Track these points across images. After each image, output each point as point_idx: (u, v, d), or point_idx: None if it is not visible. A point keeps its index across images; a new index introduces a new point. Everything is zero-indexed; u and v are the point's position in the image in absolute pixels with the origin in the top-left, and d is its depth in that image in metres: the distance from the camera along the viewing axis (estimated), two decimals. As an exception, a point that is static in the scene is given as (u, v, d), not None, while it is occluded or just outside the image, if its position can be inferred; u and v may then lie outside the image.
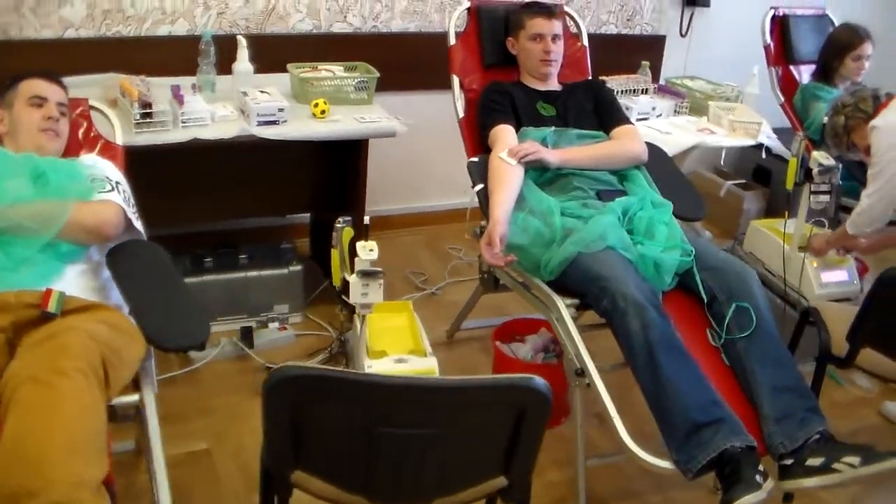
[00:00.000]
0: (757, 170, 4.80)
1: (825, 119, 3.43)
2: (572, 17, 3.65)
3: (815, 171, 3.32)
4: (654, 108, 3.87)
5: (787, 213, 3.55)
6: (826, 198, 3.39)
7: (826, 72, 4.11)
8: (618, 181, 3.11)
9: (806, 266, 3.47)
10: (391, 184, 4.31)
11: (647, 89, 4.04)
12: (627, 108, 3.81)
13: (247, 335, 3.44)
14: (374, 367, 2.24)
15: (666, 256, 2.71)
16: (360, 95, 3.56)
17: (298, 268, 3.60)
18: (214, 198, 3.67)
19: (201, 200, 3.64)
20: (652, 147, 3.27)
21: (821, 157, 3.33)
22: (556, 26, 3.26)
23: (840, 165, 3.30)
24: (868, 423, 3.33)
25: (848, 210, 3.83)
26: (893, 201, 3.16)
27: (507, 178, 2.92)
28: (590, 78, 3.55)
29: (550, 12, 3.27)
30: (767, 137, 3.78)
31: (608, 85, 3.86)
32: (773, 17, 4.26)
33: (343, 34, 4.05)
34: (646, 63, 4.17)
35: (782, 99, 4.15)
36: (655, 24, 4.75)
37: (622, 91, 3.94)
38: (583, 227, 2.76)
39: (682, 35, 4.80)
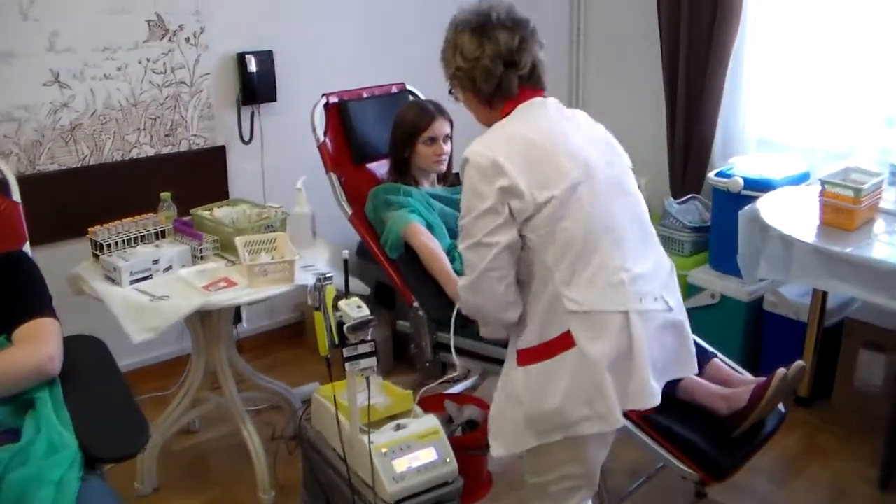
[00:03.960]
0: (379, 288, 3.86)
1: None
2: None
3: (346, 327, 2.37)
4: (155, 262, 2.84)
5: (331, 381, 2.59)
6: (371, 361, 2.44)
7: (400, 166, 3.22)
8: (14, 413, 2.06)
9: (373, 453, 2.49)
10: None
11: (162, 232, 3.01)
12: (115, 269, 2.77)
13: None
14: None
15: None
16: None
17: None
18: None
19: None
20: (80, 343, 2.25)
21: (350, 308, 2.39)
22: None
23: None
24: None
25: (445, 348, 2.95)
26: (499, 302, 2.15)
27: None
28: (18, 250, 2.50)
29: None
30: (314, 275, 2.80)
31: (99, 237, 2.84)
32: (327, 107, 3.33)
33: None
34: (166, 195, 3.19)
35: (350, 211, 3.20)
36: (208, 135, 3.79)
37: (117, 243, 2.89)
38: None
39: (244, 142, 3.82)
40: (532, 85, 2.18)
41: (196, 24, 3.65)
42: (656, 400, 2.07)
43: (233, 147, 3.86)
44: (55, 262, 3.11)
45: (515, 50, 2.12)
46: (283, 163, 3.87)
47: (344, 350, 2.42)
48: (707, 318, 3.87)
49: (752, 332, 3.84)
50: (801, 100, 3.97)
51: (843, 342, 3.57)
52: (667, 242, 4.11)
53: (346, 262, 2.47)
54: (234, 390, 3.11)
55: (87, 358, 2.29)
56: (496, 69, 2.11)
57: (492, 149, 2.05)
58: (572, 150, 2.09)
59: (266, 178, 3.94)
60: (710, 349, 2.87)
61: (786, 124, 4.07)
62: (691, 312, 3.86)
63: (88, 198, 3.48)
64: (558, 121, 2.17)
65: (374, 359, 2.44)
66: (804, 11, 3.86)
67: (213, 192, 3.70)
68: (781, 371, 2.50)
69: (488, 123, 2.21)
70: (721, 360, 2.82)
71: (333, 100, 3.35)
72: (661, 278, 2.18)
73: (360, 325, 2.39)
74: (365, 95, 3.45)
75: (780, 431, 2.81)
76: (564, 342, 2.05)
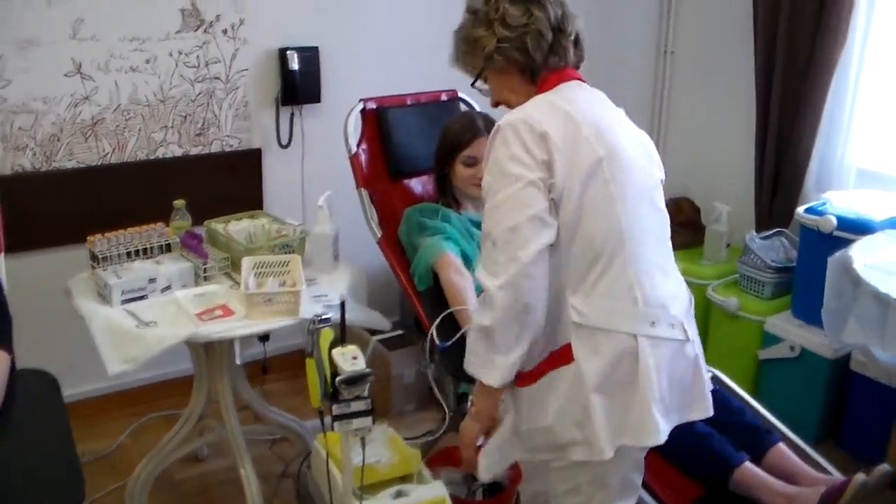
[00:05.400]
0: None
1: None
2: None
3: (338, 381, 2.05)
4: (152, 281, 2.55)
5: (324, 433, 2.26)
6: (365, 421, 2.10)
7: (441, 183, 2.87)
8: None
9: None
10: None
11: (168, 245, 2.72)
12: (106, 286, 2.48)
13: None
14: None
15: None
16: None
17: None
18: None
19: None
20: (29, 379, 1.98)
21: (344, 360, 2.06)
22: None
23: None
24: None
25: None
26: None
27: None
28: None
29: None
30: (325, 306, 2.48)
31: (97, 248, 2.58)
32: (364, 113, 2.99)
33: None
34: (180, 203, 2.90)
35: (379, 234, 2.85)
36: (243, 136, 3.49)
37: (119, 255, 2.60)
38: None
39: (282, 146, 3.50)
40: (577, 59, 2.01)
41: (235, 14, 3.35)
42: (660, 438, 1.83)
43: (269, 151, 3.56)
44: (63, 267, 2.87)
45: (561, 17, 1.94)
46: (325, 171, 3.55)
47: (334, 407, 2.08)
48: (784, 373, 3.42)
49: (836, 394, 3.37)
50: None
51: (942, 415, 3.07)
52: (746, 282, 3.65)
53: (342, 304, 2.12)
54: (235, 424, 2.80)
55: (33, 398, 1.99)
56: (547, 34, 1.91)
57: (535, 119, 1.82)
58: (610, 141, 1.88)
59: (305, 186, 3.63)
60: (779, 427, 2.44)
61: (892, 155, 3.56)
62: (766, 364, 3.49)
63: (107, 199, 3.24)
64: (602, 107, 1.97)
65: (370, 418, 2.10)
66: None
67: (245, 199, 3.43)
68: (860, 477, 2.07)
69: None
70: (792, 441, 2.38)
71: (371, 106, 3.01)
72: (681, 305, 1.95)
73: (354, 380, 2.05)
74: (409, 102, 3.11)
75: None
76: (564, 356, 1.85)
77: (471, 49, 1.96)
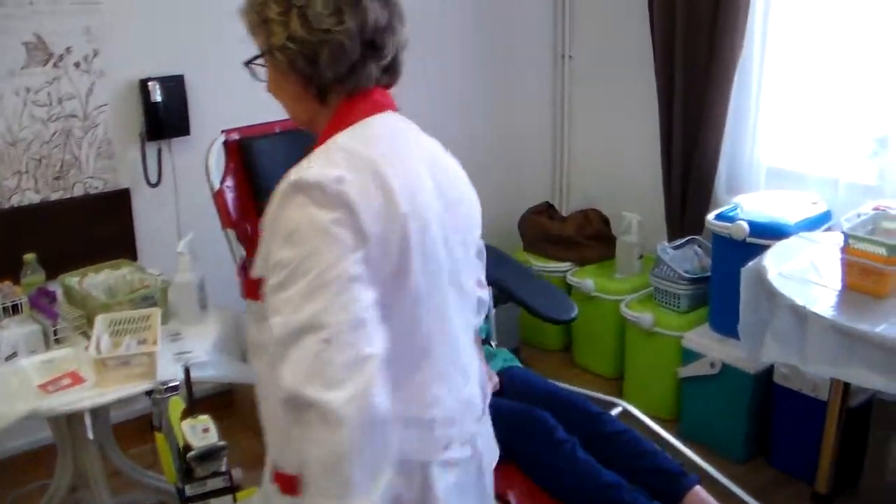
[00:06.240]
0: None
1: None
2: None
3: (189, 457, 1.81)
4: (-6, 350, 2.26)
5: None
6: (227, 500, 1.90)
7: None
8: None
9: None
10: None
11: (15, 307, 2.43)
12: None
13: None
14: None
15: None
16: None
17: None
18: None
19: None
20: None
21: (194, 433, 1.81)
22: None
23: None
24: None
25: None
26: None
27: None
28: None
29: None
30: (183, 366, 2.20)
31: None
32: (227, 145, 2.73)
33: None
34: (30, 258, 2.64)
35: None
36: (108, 176, 3.20)
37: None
38: None
39: (151, 185, 3.22)
40: (386, 80, 1.55)
41: (87, 45, 3.07)
42: None
43: (138, 190, 3.27)
44: None
45: (384, 27, 1.47)
46: (200, 208, 3.23)
47: (187, 488, 1.82)
48: (707, 391, 3.25)
49: (761, 409, 3.19)
50: (819, 123, 3.33)
51: (872, 426, 2.90)
52: (660, 296, 3.46)
53: (187, 370, 1.86)
54: (104, 496, 2.53)
55: None
56: (354, 50, 1.45)
57: (346, 183, 1.35)
58: (424, 215, 1.44)
59: (182, 226, 3.34)
60: (698, 462, 2.22)
61: (802, 152, 3.43)
62: (687, 383, 3.30)
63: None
64: (420, 156, 1.52)
65: (230, 497, 1.84)
66: (824, 18, 3.21)
67: (115, 246, 3.10)
68: None
69: (307, 123, 1.57)
70: (714, 478, 2.17)
71: (234, 137, 2.75)
72: (475, 411, 1.62)
73: (207, 455, 1.79)
74: (277, 130, 2.85)
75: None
76: None
77: (259, 25, 1.52)
